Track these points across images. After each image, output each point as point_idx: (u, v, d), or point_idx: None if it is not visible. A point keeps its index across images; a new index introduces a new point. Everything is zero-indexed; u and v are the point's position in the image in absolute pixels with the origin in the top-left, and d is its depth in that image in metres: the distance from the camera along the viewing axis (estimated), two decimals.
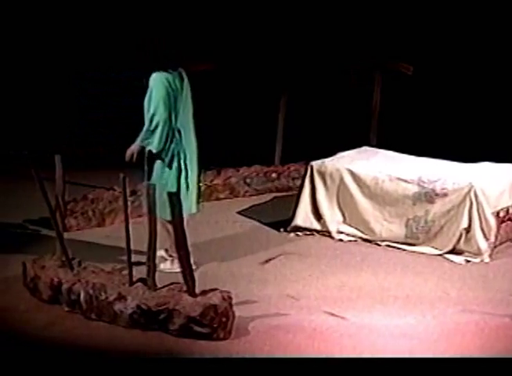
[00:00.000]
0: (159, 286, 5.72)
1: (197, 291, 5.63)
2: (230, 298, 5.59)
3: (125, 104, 9.96)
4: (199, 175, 6.72)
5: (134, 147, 6.52)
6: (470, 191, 6.91)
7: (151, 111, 6.41)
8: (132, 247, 5.77)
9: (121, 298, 5.64)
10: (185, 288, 5.62)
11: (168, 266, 6.51)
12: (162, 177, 6.47)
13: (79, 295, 5.78)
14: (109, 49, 10.09)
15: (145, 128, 6.46)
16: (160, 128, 6.39)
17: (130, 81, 9.82)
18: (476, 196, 6.89)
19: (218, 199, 8.41)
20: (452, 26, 9.52)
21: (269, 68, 9.71)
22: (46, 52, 10.09)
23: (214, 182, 8.46)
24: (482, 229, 6.88)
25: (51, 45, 10.09)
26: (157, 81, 6.41)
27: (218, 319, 5.44)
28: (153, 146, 6.42)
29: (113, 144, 9.79)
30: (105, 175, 8.46)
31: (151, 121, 6.41)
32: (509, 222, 7.15)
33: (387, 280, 6.48)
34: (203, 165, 8.70)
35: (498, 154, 7.50)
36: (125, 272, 5.85)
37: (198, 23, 9.70)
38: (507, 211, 7.10)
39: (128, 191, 6.03)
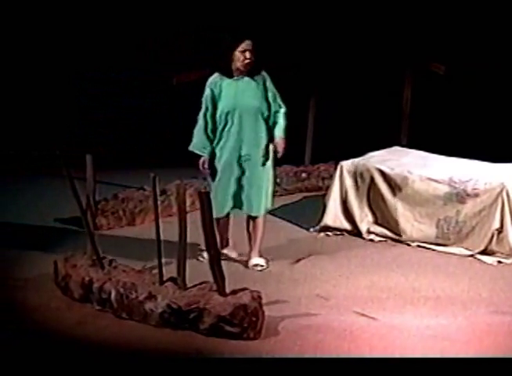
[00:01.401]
0: (189, 285, 5.72)
1: (227, 290, 5.62)
2: (260, 297, 5.58)
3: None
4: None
5: None
6: (502, 191, 6.86)
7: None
8: (162, 246, 5.78)
9: (152, 297, 5.65)
10: (215, 288, 5.62)
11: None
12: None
13: (110, 294, 5.80)
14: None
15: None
16: None
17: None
18: (508, 196, 6.83)
19: None
20: (485, 25, 9.45)
21: (299, 68, 9.70)
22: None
23: None
24: None
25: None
26: None
27: (248, 319, 5.44)
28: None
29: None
30: (135, 174, 8.51)
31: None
32: None
33: (418, 280, 6.44)
34: None
35: None
36: (155, 271, 5.87)
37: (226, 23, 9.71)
38: None
39: (158, 190, 6.05)
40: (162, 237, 5.77)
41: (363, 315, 5.81)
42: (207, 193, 5.85)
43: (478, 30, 9.51)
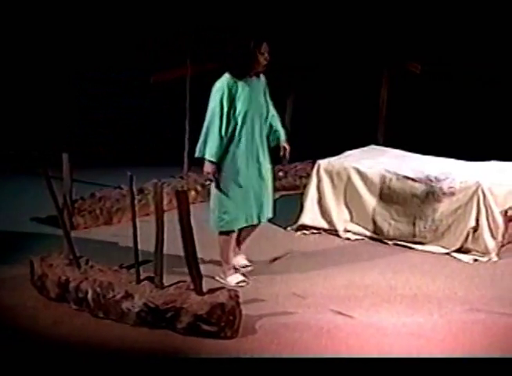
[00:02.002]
0: (166, 284, 5.72)
1: (204, 289, 5.63)
2: (237, 296, 5.60)
3: (125, 104, 9.99)
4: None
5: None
6: (477, 190, 6.90)
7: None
8: (139, 245, 5.78)
9: (128, 296, 5.65)
10: (192, 287, 5.62)
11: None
12: None
13: (86, 293, 5.79)
14: (109, 49, 10.10)
15: None
16: None
17: (130, 80, 9.86)
18: (484, 195, 6.87)
19: None
20: (460, 24, 9.49)
21: (275, 67, 9.70)
22: (46, 53, 10.09)
23: None
24: (490, 228, 6.87)
25: (51, 46, 10.10)
26: None
27: (226, 318, 5.45)
28: None
29: (113, 144, 9.84)
30: (112, 173, 8.49)
31: None
32: None
33: (395, 278, 6.47)
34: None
35: (506, 153, 7.49)
36: (132, 270, 5.86)
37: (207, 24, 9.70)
38: None
39: (135, 190, 6.04)
40: (139, 236, 5.76)
41: (340, 313, 5.83)
42: (185, 192, 5.84)
43: (454, 29, 9.56)
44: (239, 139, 6.28)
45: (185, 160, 8.53)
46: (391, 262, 6.80)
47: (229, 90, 6.23)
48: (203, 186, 8.27)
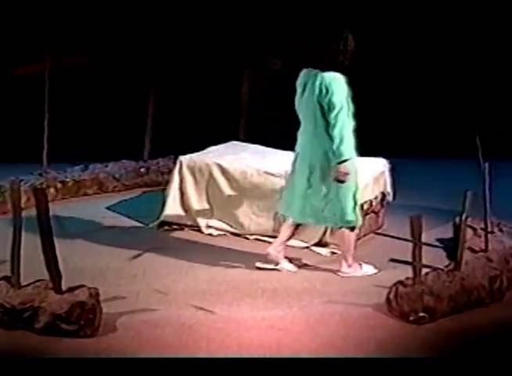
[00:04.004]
0: (24, 283, 5.60)
1: (64, 287, 5.55)
2: (97, 294, 5.54)
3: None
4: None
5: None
6: None
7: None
8: None
9: None
10: (51, 285, 5.53)
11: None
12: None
13: None
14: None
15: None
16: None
17: None
18: None
19: (86, 194, 8.32)
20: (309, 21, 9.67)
21: (138, 62, 9.66)
22: None
23: (82, 177, 8.35)
24: None
25: None
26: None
27: (85, 316, 5.39)
28: None
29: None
30: None
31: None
32: (372, 214, 7.36)
33: (256, 273, 6.55)
34: (71, 160, 8.69)
35: (361, 148, 7.66)
36: None
37: (73, 17, 9.55)
38: (371, 204, 7.31)
39: None
40: None
41: (201, 308, 5.86)
42: (43, 190, 5.75)
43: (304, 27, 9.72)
44: None
45: (45, 156, 8.35)
46: (253, 257, 6.88)
47: (347, 88, 6.17)
48: (62, 183, 8.16)
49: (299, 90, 6.37)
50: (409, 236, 6.15)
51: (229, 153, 7.69)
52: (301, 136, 6.43)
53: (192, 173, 7.48)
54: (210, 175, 7.43)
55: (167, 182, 7.71)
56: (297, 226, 6.64)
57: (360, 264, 6.63)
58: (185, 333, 5.50)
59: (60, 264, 5.60)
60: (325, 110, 6.14)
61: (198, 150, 7.69)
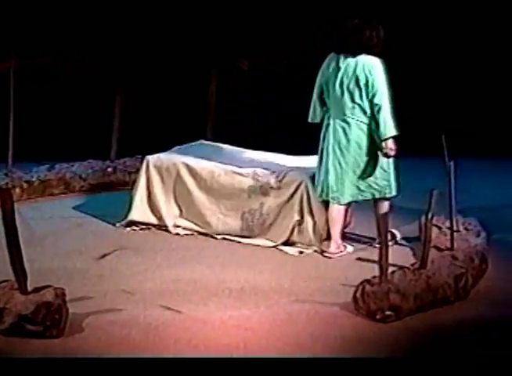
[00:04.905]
0: None
1: (30, 288, 5.51)
2: (64, 294, 5.52)
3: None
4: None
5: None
6: (301, 184, 7.08)
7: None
8: None
9: None
10: (16, 286, 5.49)
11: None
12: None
13: None
14: None
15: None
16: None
17: None
18: (307, 188, 7.06)
19: (52, 194, 8.26)
20: (284, 22, 9.69)
21: (104, 62, 9.62)
22: None
23: (48, 177, 8.30)
24: (314, 221, 7.06)
25: None
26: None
27: (51, 317, 5.36)
28: None
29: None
30: None
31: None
32: None
33: (223, 272, 6.55)
34: (37, 160, 8.62)
35: None
36: None
37: (38, 16, 9.48)
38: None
39: None
40: None
41: (169, 308, 5.86)
42: (9, 190, 5.71)
43: (281, 27, 9.75)
44: None
45: (10, 156, 8.27)
46: (220, 256, 6.88)
47: None
48: (28, 183, 8.10)
49: (330, 74, 6.76)
50: (375, 235, 6.20)
51: (197, 152, 7.68)
52: (333, 120, 6.82)
53: (160, 173, 7.47)
54: (178, 174, 7.42)
55: (134, 182, 7.68)
56: (347, 208, 6.97)
57: (345, 245, 6.88)
58: (152, 333, 5.49)
59: (26, 264, 5.56)
60: (368, 91, 6.62)
61: (166, 150, 7.67)
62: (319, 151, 6.94)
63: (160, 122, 9.59)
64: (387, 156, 6.74)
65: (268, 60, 9.73)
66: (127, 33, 9.59)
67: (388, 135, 6.64)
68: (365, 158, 6.76)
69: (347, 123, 6.75)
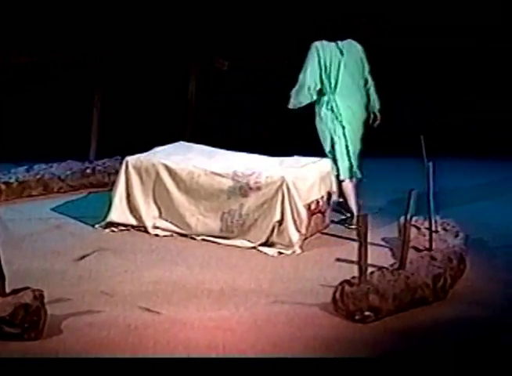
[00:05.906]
0: None
1: (8, 290, 5.49)
2: (42, 296, 5.50)
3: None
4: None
5: None
6: (282, 184, 7.09)
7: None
8: None
9: None
10: None
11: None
12: None
13: None
14: None
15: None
16: None
17: None
18: (288, 189, 7.07)
19: (30, 196, 8.19)
20: (264, 23, 9.69)
21: (83, 62, 9.59)
22: None
23: (26, 178, 8.25)
24: (294, 222, 7.07)
25: None
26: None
27: (30, 319, 5.34)
28: None
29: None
30: None
31: None
32: (319, 214, 7.39)
33: (202, 273, 6.55)
34: (15, 160, 8.57)
35: (308, 148, 7.70)
36: None
37: (17, 16, 9.44)
38: (317, 204, 7.34)
39: None
40: None
41: (148, 310, 5.85)
42: None
43: (259, 27, 9.76)
44: None
45: None
46: (199, 257, 6.88)
47: None
48: (6, 184, 8.05)
49: (333, 57, 7.37)
50: (354, 236, 6.21)
51: (176, 153, 7.66)
52: (349, 99, 7.42)
53: (139, 174, 7.45)
54: (157, 175, 7.40)
55: (114, 183, 7.66)
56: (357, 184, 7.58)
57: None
58: (132, 334, 5.48)
59: (4, 266, 5.55)
60: (364, 69, 7.50)
61: (145, 151, 7.65)
62: (328, 134, 7.44)
63: (139, 123, 9.56)
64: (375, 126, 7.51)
65: (248, 61, 9.74)
66: (106, 33, 9.57)
67: (378, 107, 7.49)
68: (362, 134, 7.45)
69: (359, 99, 7.45)
